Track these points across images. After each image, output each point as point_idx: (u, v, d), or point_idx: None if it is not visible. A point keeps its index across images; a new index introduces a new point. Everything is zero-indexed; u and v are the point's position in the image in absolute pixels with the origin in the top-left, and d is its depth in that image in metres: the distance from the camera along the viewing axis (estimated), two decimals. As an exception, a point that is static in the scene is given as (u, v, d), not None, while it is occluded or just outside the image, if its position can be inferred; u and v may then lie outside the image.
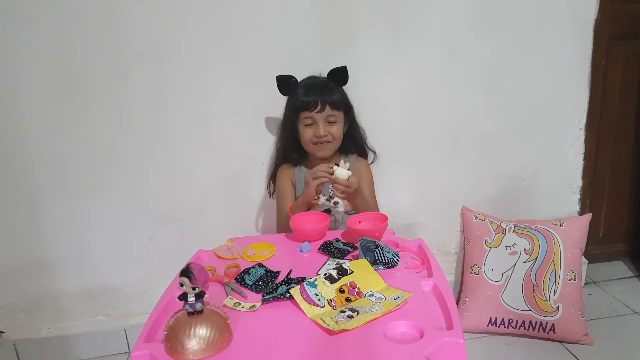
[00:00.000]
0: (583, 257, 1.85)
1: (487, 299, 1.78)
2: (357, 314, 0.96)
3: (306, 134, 1.54)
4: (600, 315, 1.87)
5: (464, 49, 1.76)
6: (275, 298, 1.05)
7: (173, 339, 0.88)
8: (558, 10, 1.77)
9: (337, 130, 1.55)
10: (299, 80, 1.57)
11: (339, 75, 1.55)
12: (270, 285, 1.12)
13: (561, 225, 1.82)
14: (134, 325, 1.82)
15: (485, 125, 1.85)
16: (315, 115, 1.51)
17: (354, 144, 1.66)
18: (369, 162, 1.69)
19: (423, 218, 1.91)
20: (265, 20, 1.63)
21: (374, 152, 1.70)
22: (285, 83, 1.56)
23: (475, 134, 1.85)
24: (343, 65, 1.55)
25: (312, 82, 1.56)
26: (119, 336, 1.83)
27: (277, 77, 1.55)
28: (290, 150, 1.63)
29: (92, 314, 1.84)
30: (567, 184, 1.98)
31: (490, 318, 1.77)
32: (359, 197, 1.49)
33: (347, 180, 1.40)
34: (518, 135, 1.89)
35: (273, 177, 1.68)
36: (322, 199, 1.51)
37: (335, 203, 1.47)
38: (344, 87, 1.59)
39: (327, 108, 1.51)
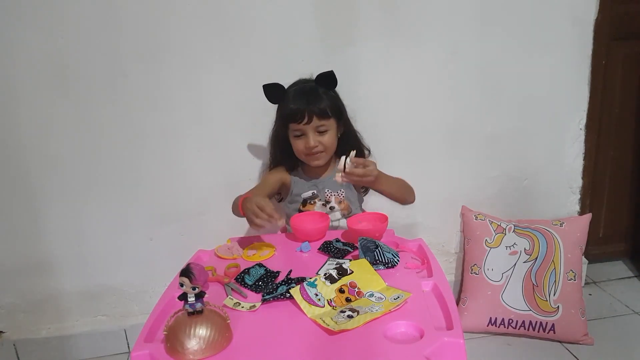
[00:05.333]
0: (583, 257, 1.85)
1: (487, 299, 1.78)
2: (357, 314, 0.96)
3: (297, 145, 1.50)
4: (600, 315, 1.87)
5: (464, 49, 1.76)
6: (275, 298, 1.05)
7: (173, 339, 0.88)
8: (558, 10, 1.78)
9: (329, 138, 1.49)
10: (288, 85, 1.52)
11: (327, 80, 1.47)
12: (270, 285, 1.12)
13: (561, 225, 1.82)
14: (134, 325, 1.82)
15: (486, 125, 1.85)
16: (304, 127, 1.45)
17: (349, 148, 1.56)
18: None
19: (423, 218, 1.91)
20: (265, 20, 1.63)
21: (369, 150, 1.66)
22: (272, 92, 1.49)
23: (475, 134, 1.85)
24: (330, 69, 1.46)
25: (300, 90, 1.49)
26: (119, 336, 1.83)
27: (264, 86, 1.49)
28: (284, 158, 1.59)
29: (92, 314, 1.84)
30: (567, 184, 1.98)
31: (490, 318, 1.77)
32: (384, 182, 1.42)
33: (345, 168, 1.30)
34: (518, 135, 1.89)
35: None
36: (318, 203, 1.49)
37: (332, 208, 1.45)
38: (339, 89, 1.53)
39: (315, 119, 1.44)
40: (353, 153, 1.33)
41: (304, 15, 1.65)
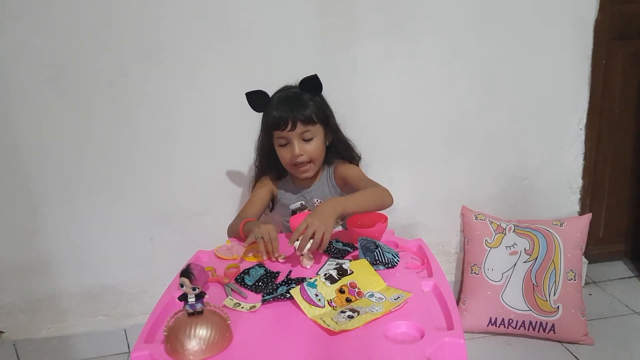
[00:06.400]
0: (583, 257, 1.85)
1: (487, 299, 1.78)
2: (358, 314, 0.96)
3: (283, 155, 1.44)
4: (600, 315, 1.87)
5: (464, 49, 1.76)
6: (276, 298, 1.05)
7: (173, 340, 0.88)
8: (558, 10, 1.78)
9: (315, 146, 1.42)
10: (273, 92, 1.47)
11: (311, 84, 1.40)
12: (270, 285, 1.12)
13: (561, 225, 1.82)
14: (134, 325, 1.82)
15: (486, 125, 1.85)
16: (288, 134, 1.39)
17: (337, 156, 1.53)
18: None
19: (423, 218, 1.91)
20: (265, 20, 1.63)
21: (360, 157, 1.59)
22: (255, 99, 1.43)
23: (475, 134, 1.85)
24: (314, 73, 1.40)
25: (283, 96, 1.42)
26: (119, 336, 1.83)
27: (247, 93, 1.43)
28: (270, 169, 1.55)
29: (92, 314, 1.84)
30: (567, 184, 1.98)
31: (490, 318, 1.77)
32: (352, 206, 1.29)
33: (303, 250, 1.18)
34: (518, 135, 1.89)
35: (256, 184, 1.61)
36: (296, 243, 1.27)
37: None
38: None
39: (299, 125, 1.38)
40: (296, 244, 1.17)
41: (304, 15, 1.65)
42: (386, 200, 1.36)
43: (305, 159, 1.43)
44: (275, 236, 1.26)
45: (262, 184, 1.58)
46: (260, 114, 1.48)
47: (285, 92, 1.44)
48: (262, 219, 1.59)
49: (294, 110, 1.38)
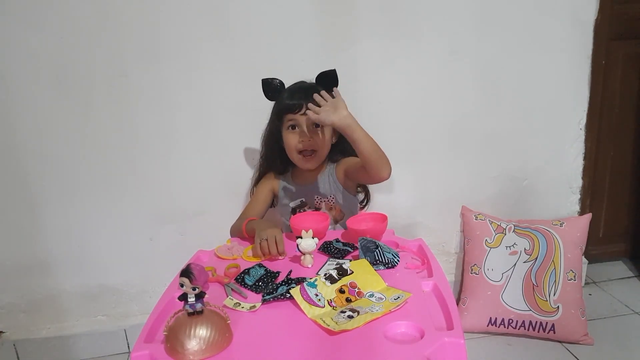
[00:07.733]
0: (583, 257, 1.85)
1: (487, 299, 1.78)
2: (358, 314, 0.96)
3: (290, 140, 1.46)
4: (600, 315, 1.87)
5: (464, 49, 1.76)
6: (276, 298, 1.05)
7: (173, 340, 0.88)
8: (558, 11, 1.78)
9: (323, 137, 1.46)
10: (287, 85, 1.51)
11: (328, 79, 1.44)
12: (270, 285, 1.12)
13: (561, 225, 1.82)
14: (134, 325, 1.82)
15: (485, 125, 1.85)
16: (300, 118, 1.43)
17: (342, 154, 1.54)
18: None
19: (423, 218, 1.91)
20: (265, 20, 1.63)
21: None
22: (270, 87, 1.48)
23: (475, 134, 1.85)
24: (333, 68, 1.44)
25: (298, 87, 1.49)
26: (119, 336, 1.83)
27: (263, 80, 1.48)
28: (274, 159, 1.56)
29: (92, 314, 1.84)
30: (567, 184, 1.98)
31: (490, 318, 1.77)
32: (355, 131, 1.31)
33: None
34: (518, 135, 1.89)
35: (257, 184, 1.63)
36: (308, 212, 1.39)
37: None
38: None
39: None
40: (299, 241, 1.20)
41: (304, 15, 1.65)
42: (386, 165, 1.35)
43: (311, 147, 1.45)
44: (281, 239, 1.28)
45: (265, 180, 1.60)
46: (264, 112, 1.50)
47: (301, 84, 1.50)
48: (266, 216, 1.60)
49: (309, 97, 1.39)
